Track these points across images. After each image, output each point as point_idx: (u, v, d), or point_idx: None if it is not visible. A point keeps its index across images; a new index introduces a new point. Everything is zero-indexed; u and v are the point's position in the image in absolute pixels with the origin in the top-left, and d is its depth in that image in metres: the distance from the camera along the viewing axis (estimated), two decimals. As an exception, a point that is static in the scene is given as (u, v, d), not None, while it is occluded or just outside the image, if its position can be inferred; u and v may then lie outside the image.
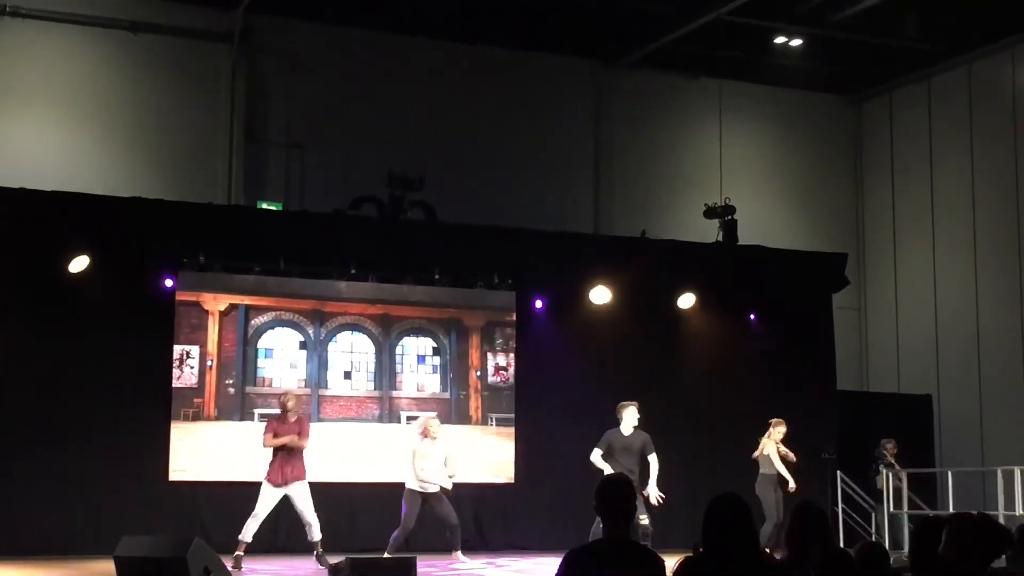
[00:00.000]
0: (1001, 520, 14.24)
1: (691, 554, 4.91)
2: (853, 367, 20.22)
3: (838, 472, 16.30)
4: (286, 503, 12.25)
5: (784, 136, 20.85)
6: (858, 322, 20.90)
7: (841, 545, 13.64)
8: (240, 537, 12.09)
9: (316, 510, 12.18)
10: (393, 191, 15.65)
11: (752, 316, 16.72)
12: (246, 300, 14.78)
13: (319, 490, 13.68)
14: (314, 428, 14.55)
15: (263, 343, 14.86)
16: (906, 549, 14.33)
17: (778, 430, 14.24)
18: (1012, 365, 18.48)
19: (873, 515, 16.82)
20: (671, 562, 5.02)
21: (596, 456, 12.70)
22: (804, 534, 5.31)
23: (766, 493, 13.96)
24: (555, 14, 17.79)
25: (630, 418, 12.83)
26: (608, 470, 12.31)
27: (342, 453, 14.70)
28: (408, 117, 18.05)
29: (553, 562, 5.49)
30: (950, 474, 15.84)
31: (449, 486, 12.88)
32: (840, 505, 16.25)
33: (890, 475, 16.21)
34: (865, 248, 21.12)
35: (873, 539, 16.65)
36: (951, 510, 14.53)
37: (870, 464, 16.79)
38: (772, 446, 14.13)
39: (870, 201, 21.21)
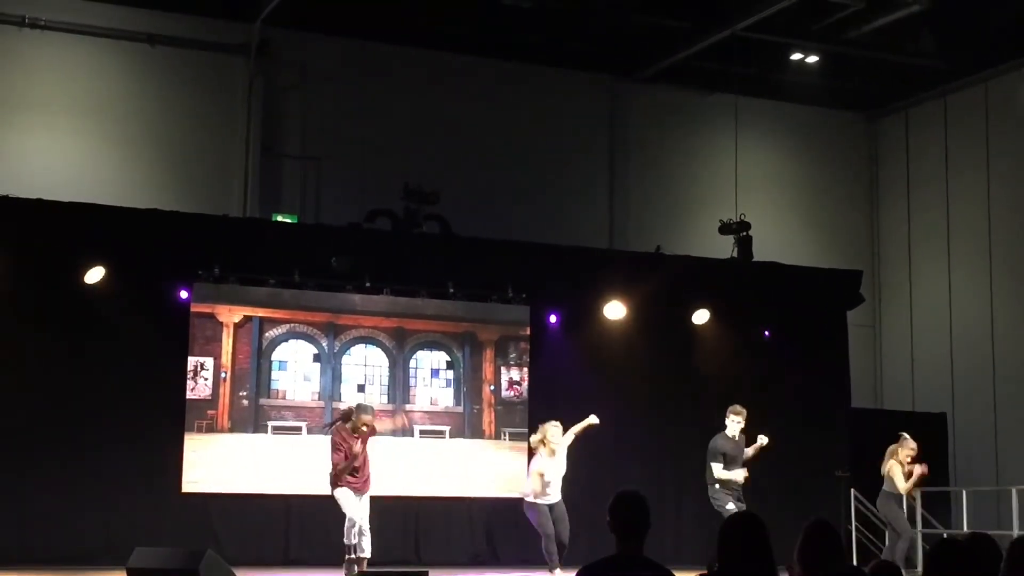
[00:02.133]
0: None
1: (706, 572, 4.90)
2: (867, 384, 20.15)
3: (852, 490, 16.25)
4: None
5: (800, 153, 20.82)
6: (873, 339, 20.83)
7: (854, 564, 13.61)
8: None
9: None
10: (408, 204, 15.67)
11: (766, 333, 16.69)
12: (260, 312, 14.79)
13: (330, 503, 13.68)
14: (327, 441, 14.60)
15: (277, 355, 14.87)
16: (920, 568, 14.27)
17: (905, 449, 13.71)
18: (1027, 384, 18.42)
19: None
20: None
21: (719, 470, 12.57)
22: (817, 553, 5.28)
23: (890, 510, 13.69)
24: (571, 29, 17.82)
25: (735, 427, 12.74)
26: (735, 476, 12.49)
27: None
28: (424, 131, 18.07)
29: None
30: (965, 493, 15.78)
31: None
32: (854, 523, 16.20)
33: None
34: (880, 265, 21.06)
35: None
36: (966, 529, 14.49)
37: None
38: (897, 467, 13.67)
39: (885, 218, 21.17)
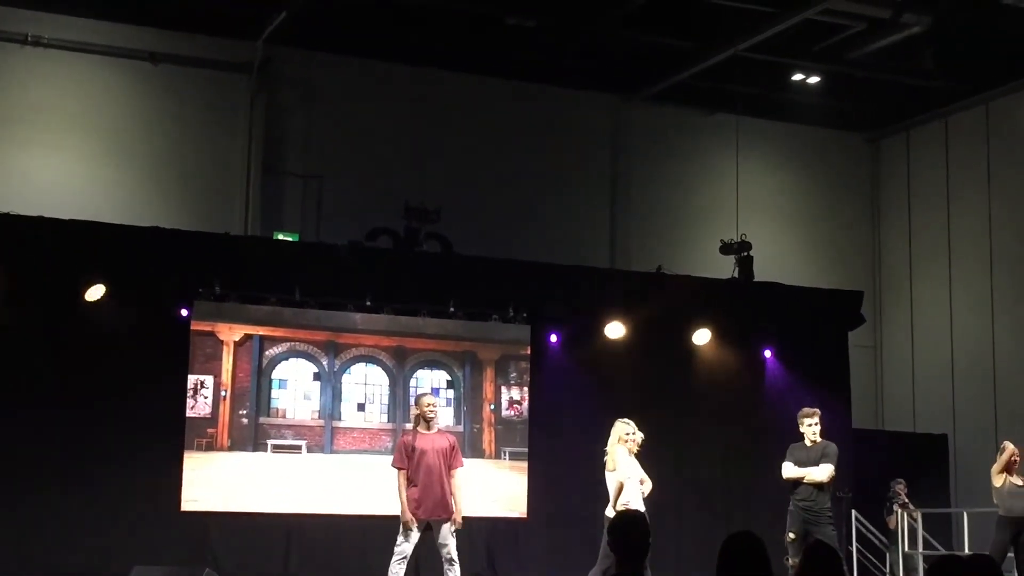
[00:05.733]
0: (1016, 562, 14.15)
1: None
2: (868, 405, 20.12)
3: (852, 511, 16.21)
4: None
5: (801, 173, 20.85)
6: (874, 360, 20.81)
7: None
8: None
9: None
10: (410, 223, 15.65)
11: (767, 353, 16.67)
12: (261, 331, 14.77)
13: (330, 522, 13.68)
14: (327, 460, 14.60)
15: (277, 374, 14.85)
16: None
17: (1006, 454, 13.14)
18: (1029, 405, 18.38)
19: (887, 555, 16.72)
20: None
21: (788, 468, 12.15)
22: (818, 574, 5.27)
23: (996, 535, 13.34)
24: (573, 48, 17.84)
25: (806, 429, 12.29)
26: (800, 474, 11.96)
27: (355, 485, 14.66)
28: (425, 149, 18.10)
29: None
30: (965, 514, 15.73)
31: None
32: (855, 544, 16.16)
33: (904, 515, 16.13)
34: (881, 286, 21.06)
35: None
36: (967, 551, 14.46)
37: (884, 504, 16.71)
38: (999, 478, 13.19)
39: (886, 239, 21.17)
